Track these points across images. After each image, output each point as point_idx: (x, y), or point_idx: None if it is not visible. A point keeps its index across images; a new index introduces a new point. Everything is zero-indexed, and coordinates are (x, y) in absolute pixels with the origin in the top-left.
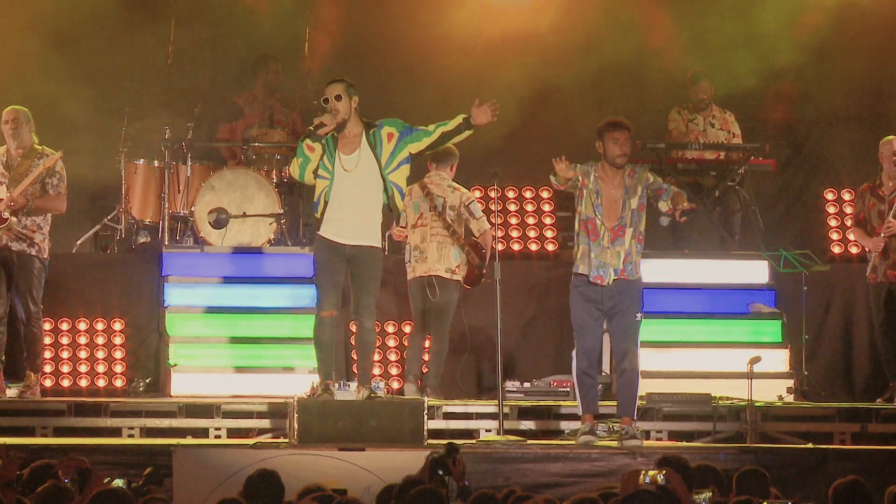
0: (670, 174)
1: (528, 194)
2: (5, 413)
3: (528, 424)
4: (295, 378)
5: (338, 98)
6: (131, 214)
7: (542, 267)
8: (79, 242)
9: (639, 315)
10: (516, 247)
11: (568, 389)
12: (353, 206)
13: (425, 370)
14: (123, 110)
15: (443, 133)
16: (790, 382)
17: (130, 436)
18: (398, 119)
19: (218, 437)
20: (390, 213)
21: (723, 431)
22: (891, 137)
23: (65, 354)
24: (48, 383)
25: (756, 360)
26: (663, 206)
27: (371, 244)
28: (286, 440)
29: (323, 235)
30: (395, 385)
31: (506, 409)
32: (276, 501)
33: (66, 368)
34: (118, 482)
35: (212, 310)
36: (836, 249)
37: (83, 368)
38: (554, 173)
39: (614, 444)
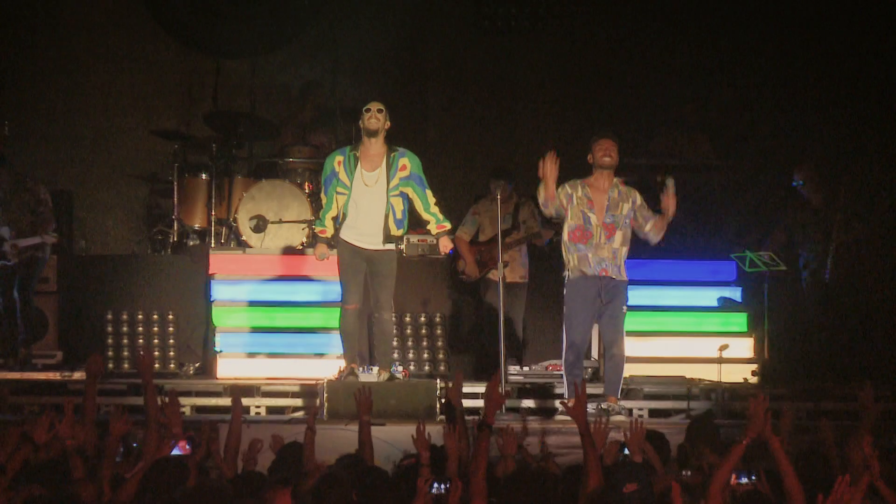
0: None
1: None
2: (72, 392)
3: (527, 403)
4: (324, 363)
5: (378, 111)
6: (182, 221)
7: (538, 268)
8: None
9: (625, 308)
10: None
11: (561, 372)
12: (369, 215)
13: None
14: (175, 130)
15: (426, 220)
16: (754, 367)
17: (182, 413)
18: (419, 161)
19: (258, 413)
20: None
21: (696, 409)
22: None
23: (125, 342)
24: (111, 366)
25: (724, 347)
26: (646, 224)
27: (387, 247)
28: (322, 418)
29: (345, 239)
30: (412, 368)
31: (507, 388)
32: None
33: (126, 354)
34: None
35: (252, 304)
36: None
37: (142, 353)
38: (539, 188)
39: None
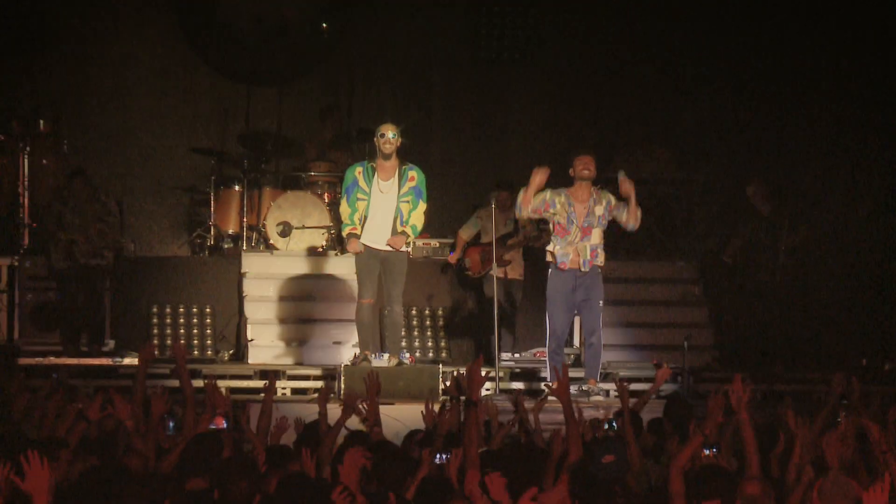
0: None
1: None
2: (123, 377)
3: (517, 385)
4: (342, 350)
5: (392, 136)
6: (218, 227)
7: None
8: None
9: (601, 302)
10: None
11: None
12: (384, 220)
13: None
14: (212, 148)
15: (413, 226)
16: (714, 353)
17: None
18: (424, 177)
19: (284, 394)
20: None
21: (664, 390)
22: None
23: (168, 331)
24: (156, 353)
25: (688, 336)
26: (622, 215)
27: (396, 251)
28: (335, 397)
29: (363, 243)
30: (417, 355)
31: (501, 374)
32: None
33: (168, 342)
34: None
35: (279, 298)
36: None
37: (183, 342)
38: (520, 190)
39: (583, 399)
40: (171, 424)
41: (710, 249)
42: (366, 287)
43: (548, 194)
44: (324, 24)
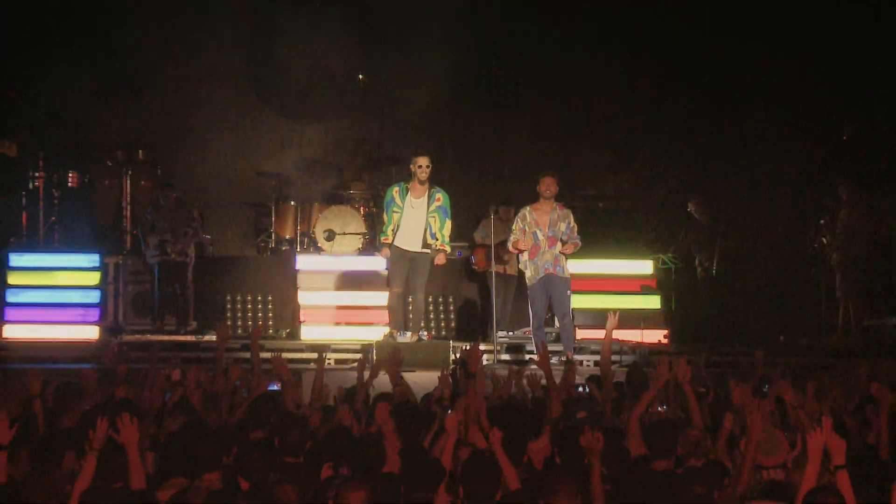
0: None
1: None
2: (204, 350)
3: (509, 356)
4: (375, 329)
5: (427, 166)
6: (277, 233)
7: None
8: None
9: (569, 292)
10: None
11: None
12: (415, 229)
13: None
14: (272, 171)
15: (436, 237)
16: (665, 332)
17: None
18: (449, 198)
19: (329, 364)
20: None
21: (625, 360)
22: None
23: (239, 315)
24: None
25: (644, 318)
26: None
27: (423, 251)
28: (369, 366)
29: (396, 245)
30: (433, 333)
31: (498, 348)
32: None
33: (239, 323)
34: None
35: (325, 288)
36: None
37: (249, 323)
38: (510, 239)
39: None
40: (245, 389)
41: (662, 251)
42: (396, 279)
43: (517, 223)
44: (360, 76)
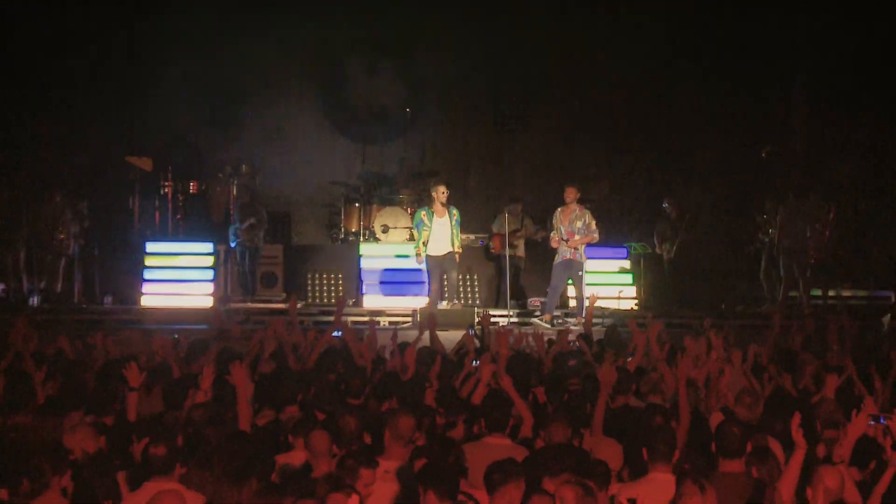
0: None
1: None
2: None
3: (519, 319)
4: (418, 299)
5: (444, 192)
6: (346, 227)
7: (532, 252)
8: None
9: (581, 273)
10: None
11: (537, 306)
12: (442, 239)
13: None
14: (342, 181)
15: (461, 244)
16: (636, 301)
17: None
18: (459, 213)
19: (384, 324)
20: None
21: (605, 322)
22: None
23: (316, 289)
24: (309, 300)
25: (620, 291)
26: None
27: (450, 251)
28: (412, 326)
29: (429, 254)
30: (462, 301)
31: (510, 313)
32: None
33: (317, 294)
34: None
35: (382, 269)
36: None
37: (325, 295)
38: (552, 234)
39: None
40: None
41: (635, 241)
42: (433, 281)
43: (554, 222)
44: (407, 109)
